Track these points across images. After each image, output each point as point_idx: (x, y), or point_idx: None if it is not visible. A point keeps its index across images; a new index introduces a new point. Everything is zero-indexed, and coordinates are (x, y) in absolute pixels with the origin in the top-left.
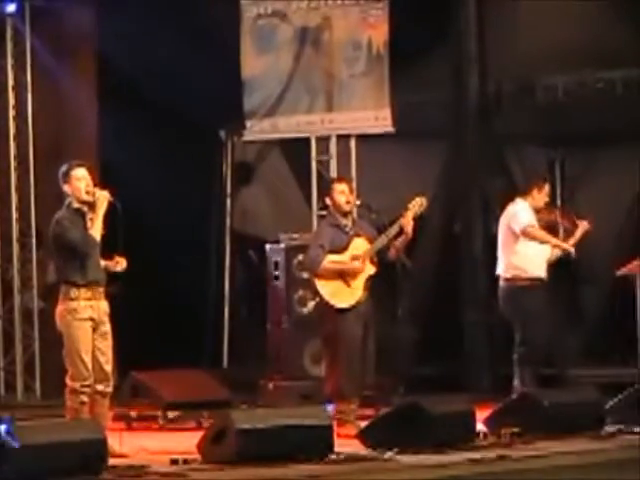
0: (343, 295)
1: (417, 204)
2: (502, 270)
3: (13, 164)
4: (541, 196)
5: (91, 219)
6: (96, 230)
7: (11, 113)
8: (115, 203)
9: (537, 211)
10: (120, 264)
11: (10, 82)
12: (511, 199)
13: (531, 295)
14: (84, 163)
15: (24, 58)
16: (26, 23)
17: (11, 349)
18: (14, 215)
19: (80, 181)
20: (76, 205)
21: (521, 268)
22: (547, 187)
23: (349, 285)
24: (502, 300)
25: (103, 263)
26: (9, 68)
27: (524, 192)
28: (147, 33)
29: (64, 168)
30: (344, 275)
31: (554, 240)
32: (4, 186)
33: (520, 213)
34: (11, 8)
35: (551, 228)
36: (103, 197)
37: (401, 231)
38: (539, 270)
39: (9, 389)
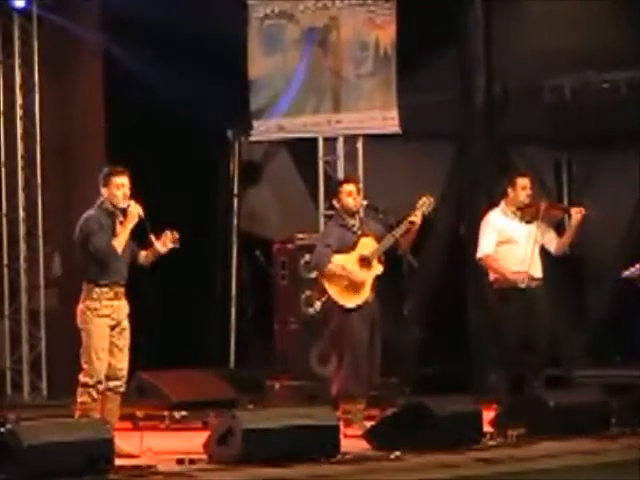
0: (350, 295)
1: (425, 203)
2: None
3: (20, 163)
4: (518, 192)
5: (121, 222)
6: (119, 242)
7: (18, 113)
8: (145, 220)
9: (520, 208)
10: (166, 242)
11: (17, 82)
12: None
13: (504, 297)
14: (126, 170)
15: (32, 58)
16: (33, 23)
17: (18, 349)
18: (21, 215)
19: (119, 189)
20: (109, 207)
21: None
22: (522, 180)
23: (356, 285)
24: None
25: (143, 253)
26: (16, 68)
27: (503, 194)
28: (153, 32)
29: (106, 170)
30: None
31: (508, 273)
32: (11, 186)
33: (483, 235)
34: (20, 3)
35: (554, 222)
36: (135, 211)
37: (408, 230)
38: (517, 269)
39: (16, 389)
